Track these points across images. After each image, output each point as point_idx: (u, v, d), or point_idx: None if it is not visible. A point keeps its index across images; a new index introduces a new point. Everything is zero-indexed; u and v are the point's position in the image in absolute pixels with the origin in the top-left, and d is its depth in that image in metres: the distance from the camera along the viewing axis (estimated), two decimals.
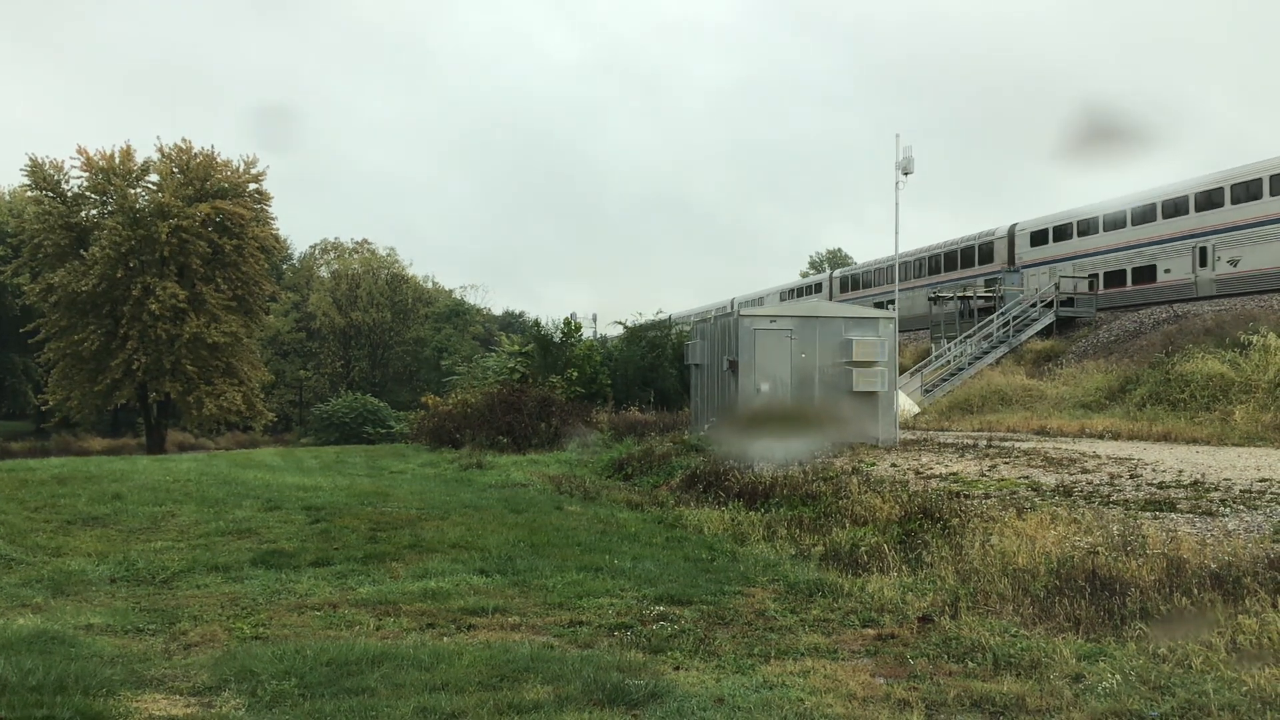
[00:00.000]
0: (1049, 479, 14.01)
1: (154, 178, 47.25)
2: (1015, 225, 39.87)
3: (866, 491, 13.24)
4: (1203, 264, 30.19)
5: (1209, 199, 30.85)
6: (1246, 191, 29.59)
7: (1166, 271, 31.59)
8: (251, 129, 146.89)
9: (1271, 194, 28.72)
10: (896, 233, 31.15)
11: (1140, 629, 7.09)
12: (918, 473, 15.46)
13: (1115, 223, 35.05)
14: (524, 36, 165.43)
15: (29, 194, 48.20)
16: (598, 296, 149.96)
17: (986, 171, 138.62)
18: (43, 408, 50.39)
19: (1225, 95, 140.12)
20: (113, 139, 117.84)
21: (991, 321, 34.95)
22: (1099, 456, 16.28)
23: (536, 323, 38.60)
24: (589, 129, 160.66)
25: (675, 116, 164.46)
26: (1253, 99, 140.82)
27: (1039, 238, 38.37)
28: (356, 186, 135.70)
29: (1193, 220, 31.33)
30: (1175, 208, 32.18)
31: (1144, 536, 9.31)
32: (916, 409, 29.04)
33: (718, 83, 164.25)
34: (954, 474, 15.09)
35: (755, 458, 17.21)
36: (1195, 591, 7.60)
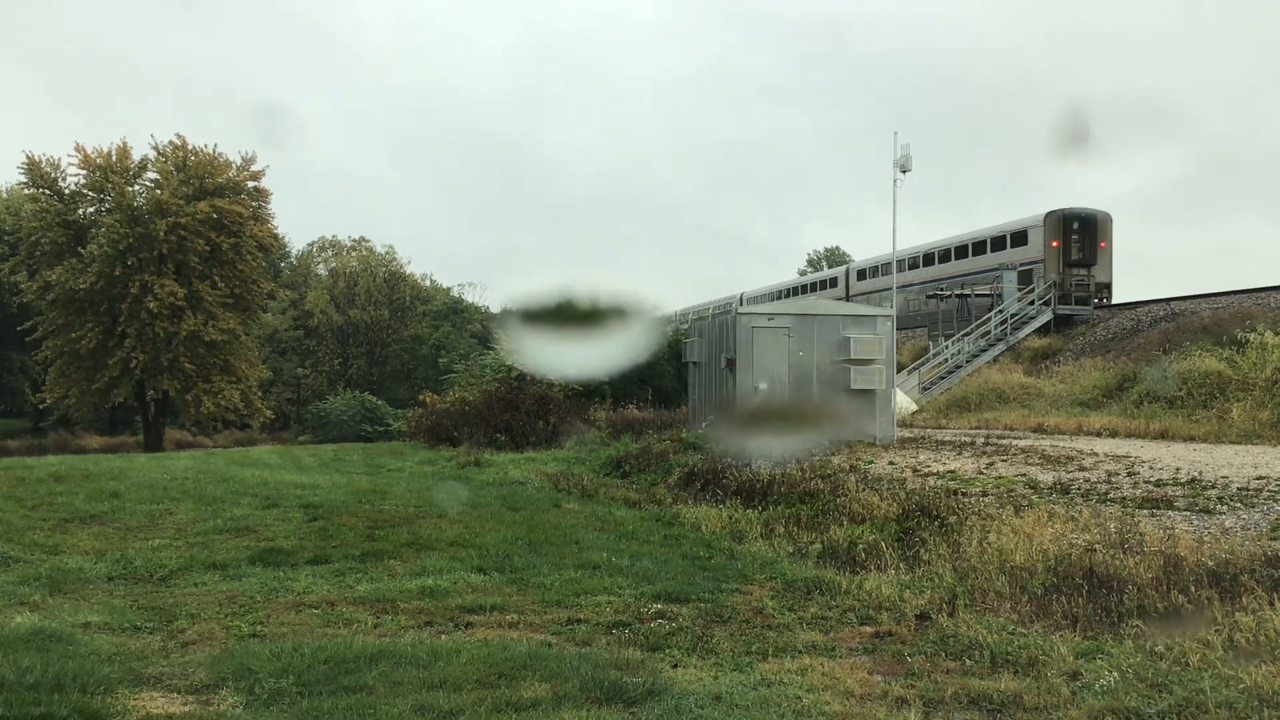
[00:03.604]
0: (1046, 477, 14.02)
1: (152, 175, 47.23)
2: (743, 293, 59.44)
3: (864, 489, 13.25)
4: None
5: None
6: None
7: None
8: (191, 122, 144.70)
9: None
10: (894, 231, 31.14)
11: (1137, 627, 7.10)
12: (915, 470, 15.47)
13: (794, 291, 54.24)
14: (457, 31, 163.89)
15: (26, 191, 48.15)
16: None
17: (953, 170, 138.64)
18: (40, 405, 50.31)
19: (1188, 92, 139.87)
20: (44, 134, 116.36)
21: (989, 319, 34.97)
22: (1096, 454, 16.29)
23: None
24: (544, 125, 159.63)
25: (628, 113, 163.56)
26: (1218, 94, 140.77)
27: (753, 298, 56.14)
28: (306, 182, 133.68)
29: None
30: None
31: (1141, 534, 9.33)
32: (914, 407, 29.05)
33: (663, 78, 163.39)
34: (951, 472, 15.09)
35: (753, 455, 17.22)
36: (1192, 589, 7.61)
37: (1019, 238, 37.86)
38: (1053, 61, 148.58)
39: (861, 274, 50.40)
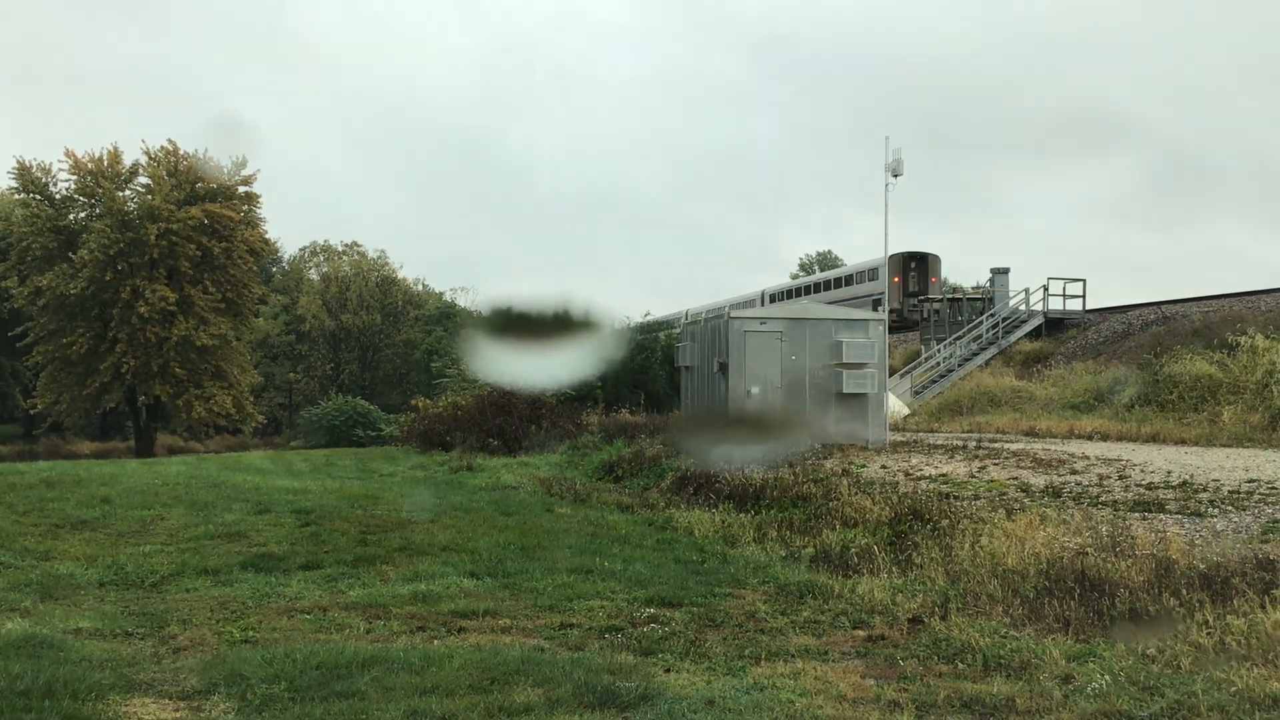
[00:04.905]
0: (1038, 480, 14.05)
1: (144, 180, 47.13)
2: (688, 310, 59.91)
3: (857, 493, 13.26)
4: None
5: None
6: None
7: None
8: (169, 129, 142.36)
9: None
10: (886, 234, 31.28)
11: (1129, 629, 7.11)
12: (907, 474, 15.49)
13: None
14: (432, 32, 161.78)
15: (16, 197, 48.05)
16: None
17: (937, 174, 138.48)
18: (31, 411, 50.24)
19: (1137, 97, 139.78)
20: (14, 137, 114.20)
21: (981, 323, 35.06)
22: (1088, 457, 16.33)
23: None
24: (534, 129, 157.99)
25: (616, 116, 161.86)
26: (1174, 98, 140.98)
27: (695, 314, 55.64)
28: (293, 186, 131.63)
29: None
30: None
31: (1133, 537, 9.34)
32: (906, 410, 29.09)
33: (652, 81, 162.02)
34: (944, 475, 15.12)
35: (735, 461, 17.18)
36: (1184, 592, 7.63)
37: (872, 274, 44.75)
38: (1031, 68, 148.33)
39: (774, 297, 57.14)
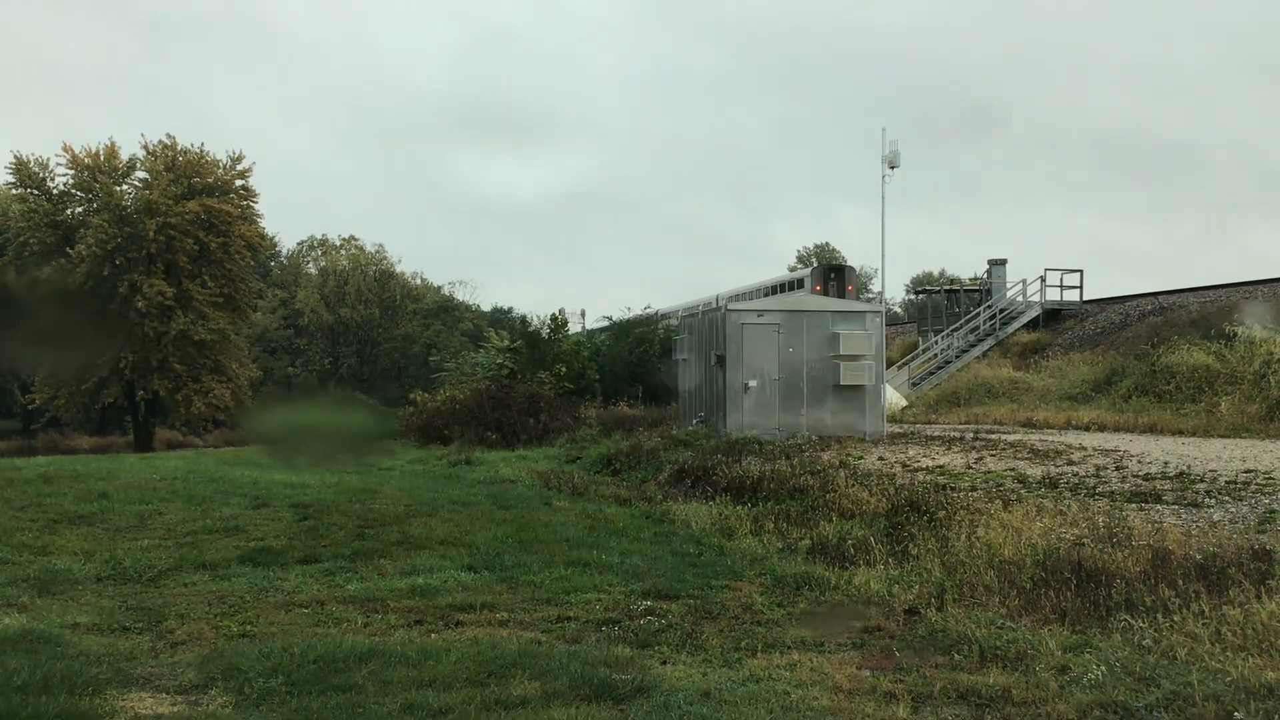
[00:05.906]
0: (1035, 471, 14.06)
1: (141, 175, 47.09)
2: (658, 310, 60.57)
3: (853, 485, 13.27)
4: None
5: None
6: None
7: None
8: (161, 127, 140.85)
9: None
10: (883, 231, 31.34)
11: (1125, 620, 7.12)
12: (905, 465, 15.50)
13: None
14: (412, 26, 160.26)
15: (14, 192, 48.01)
16: (545, 294, 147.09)
17: (929, 166, 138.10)
18: (30, 407, 50.16)
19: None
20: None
21: (978, 314, 35.07)
22: (1085, 448, 16.34)
23: (523, 319, 38.62)
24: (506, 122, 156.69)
25: (593, 113, 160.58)
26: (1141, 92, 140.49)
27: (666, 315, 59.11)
28: (283, 182, 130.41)
29: None
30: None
31: (1129, 528, 9.36)
32: (904, 402, 29.13)
33: (626, 76, 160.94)
34: (941, 467, 15.12)
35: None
36: (1180, 583, 7.63)
37: (799, 283, 49.10)
38: (1019, 60, 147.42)
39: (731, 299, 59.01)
